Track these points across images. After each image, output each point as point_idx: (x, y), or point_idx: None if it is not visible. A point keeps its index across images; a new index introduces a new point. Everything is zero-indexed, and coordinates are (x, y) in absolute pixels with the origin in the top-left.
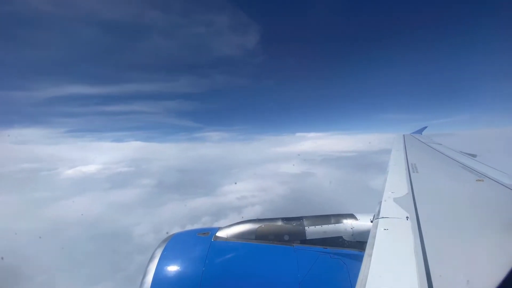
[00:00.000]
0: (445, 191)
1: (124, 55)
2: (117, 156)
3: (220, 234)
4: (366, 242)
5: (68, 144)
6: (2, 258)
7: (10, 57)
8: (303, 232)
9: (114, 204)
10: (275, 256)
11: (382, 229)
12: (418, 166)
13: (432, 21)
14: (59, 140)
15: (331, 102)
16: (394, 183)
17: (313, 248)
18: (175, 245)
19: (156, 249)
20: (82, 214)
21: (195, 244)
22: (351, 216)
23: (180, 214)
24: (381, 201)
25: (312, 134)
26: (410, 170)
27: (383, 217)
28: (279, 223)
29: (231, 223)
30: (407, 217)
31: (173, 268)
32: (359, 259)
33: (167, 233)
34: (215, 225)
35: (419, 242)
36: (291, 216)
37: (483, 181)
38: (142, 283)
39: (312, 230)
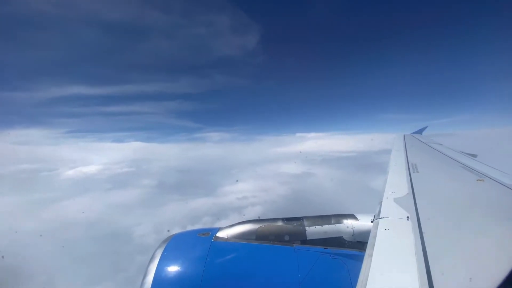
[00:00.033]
0: (445, 191)
1: (124, 56)
2: (117, 156)
3: (220, 234)
4: (366, 242)
5: (68, 144)
6: (2, 256)
7: (11, 58)
8: (304, 233)
9: (114, 204)
10: (275, 256)
11: (382, 229)
12: (419, 166)
13: (432, 21)
14: (60, 140)
15: (332, 102)
16: (395, 183)
17: (314, 249)
18: (176, 245)
19: (156, 250)
20: (83, 212)
21: (196, 244)
22: (352, 216)
23: (181, 214)
24: (381, 201)
25: (312, 134)
26: (411, 170)
27: (383, 217)
28: (280, 223)
29: (232, 224)
30: (407, 217)
31: (173, 269)
32: (359, 259)
33: (168, 231)
34: (216, 225)
35: (420, 242)
36: (291, 216)
37: (483, 181)
38: (142, 283)
39: (313, 231)
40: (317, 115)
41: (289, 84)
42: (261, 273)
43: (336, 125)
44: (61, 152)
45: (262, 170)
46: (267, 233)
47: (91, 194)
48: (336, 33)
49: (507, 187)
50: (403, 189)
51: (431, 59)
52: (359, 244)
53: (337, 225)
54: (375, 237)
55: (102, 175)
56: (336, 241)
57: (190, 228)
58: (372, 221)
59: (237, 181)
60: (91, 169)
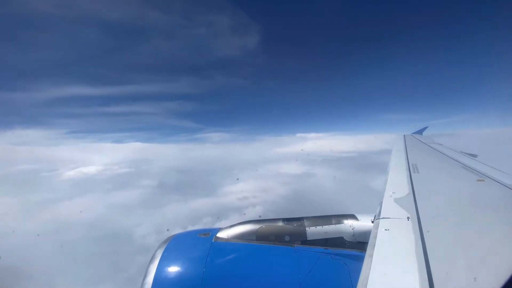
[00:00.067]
0: (446, 191)
1: (124, 56)
2: (118, 157)
3: (220, 234)
4: (367, 242)
5: (68, 145)
6: None
7: (11, 58)
8: (304, 233)
9: (115, 205)
10: (276, 257)
11: (383, 229)
12: (419, 166)
13: (432, 21)
14: (60, 141)
15: (332, 103)
16: (395, 184)
17: (314, 249)
18: (176, 246)
19: (156, 250)
20: (81, 211)
21: (196, 245)
22: (352, 216)
23: (181, 215)
24: (382, 202)
25: (312, 135)
26: (411, 170)
27: (384, 218)
28: (280, 223)
29: (232, 224)
30: (408, 218)
31: (173, 269)
32: (360, 259)
33: (167, 230)
34: (216, 225)
35: (420, 243)
36: (292, 216)
37: (483, 181)
38: (142, 284)
39: (313, 231)
40: (317, 115)
41: (289, 84)
42: (262, 273)
43: (336, 125)
44: (61, 152)
45: (263, 170)
46: (268, 234)
47: (92, 195)
48: (336, 33)
49: (508, 187)
50: (404, 189)
51: (431, 59)
52: (359, 244)
53: (337, 225)
54: (375, 237)
55: (102, 176)
56: (337, 242)
57: (190, 228)
58: (372, 221)
59: (237, 179)
60: (92, 169)
